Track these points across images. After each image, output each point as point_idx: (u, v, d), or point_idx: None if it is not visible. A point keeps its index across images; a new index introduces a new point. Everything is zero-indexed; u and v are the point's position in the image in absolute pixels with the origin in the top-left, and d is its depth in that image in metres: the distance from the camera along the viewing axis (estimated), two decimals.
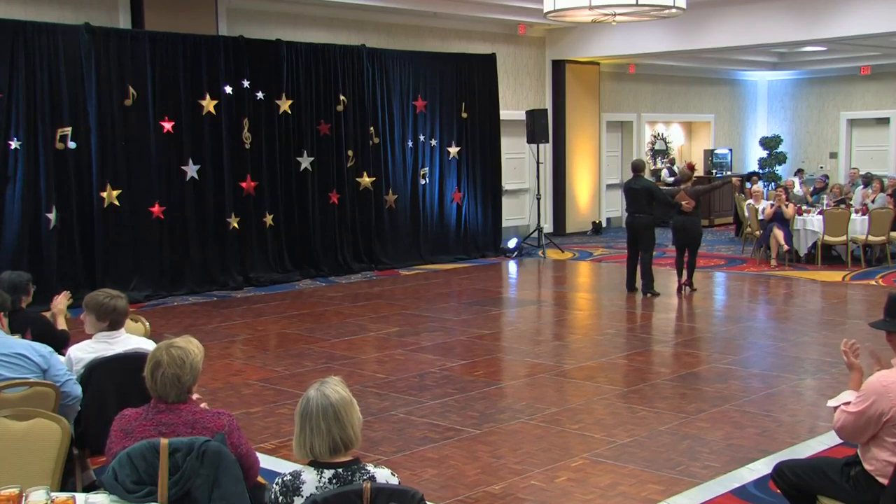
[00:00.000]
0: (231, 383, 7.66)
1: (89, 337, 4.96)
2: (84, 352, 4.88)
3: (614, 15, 11.67)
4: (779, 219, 13.93)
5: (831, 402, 4.06)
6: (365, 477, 2.98)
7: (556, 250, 15.84)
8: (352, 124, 13.83)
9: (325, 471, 2.99)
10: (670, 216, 12.06)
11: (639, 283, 11.74)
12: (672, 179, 20.53)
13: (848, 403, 3.90)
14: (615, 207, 20.29)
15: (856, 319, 10.20)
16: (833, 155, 22.69)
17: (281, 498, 2.96)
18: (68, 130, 11.03)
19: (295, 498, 2.95)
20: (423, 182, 14.93)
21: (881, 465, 3.82)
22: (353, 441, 3.06)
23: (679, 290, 11.82)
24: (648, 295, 11.55)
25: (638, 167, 11.78)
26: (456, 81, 15.28)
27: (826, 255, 14.08)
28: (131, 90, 11.45)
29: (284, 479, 3.01)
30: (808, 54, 21.03)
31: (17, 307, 5.59)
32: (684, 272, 11.85)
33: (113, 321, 4.87)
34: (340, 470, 3.00)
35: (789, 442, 6.03)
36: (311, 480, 2.98)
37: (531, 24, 16.61)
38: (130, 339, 4.97)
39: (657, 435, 6.19)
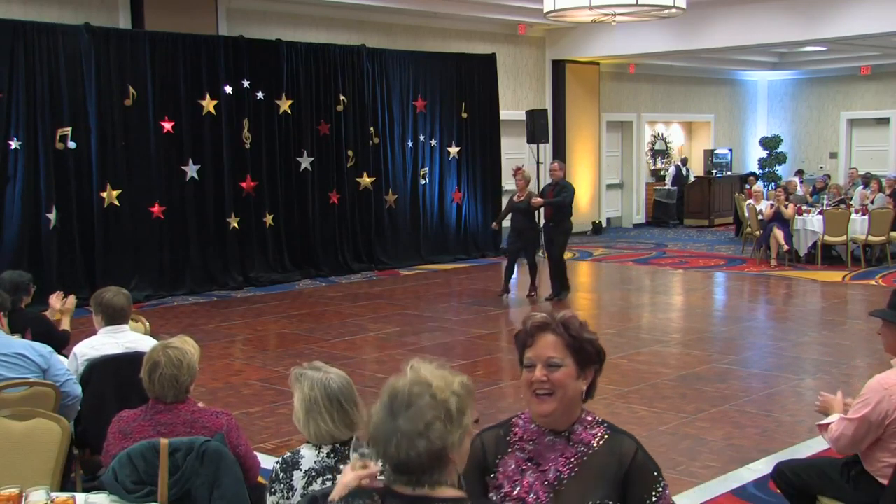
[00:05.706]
0: (231, 383, 7.66)
1: (91, 335, 4.99)
2: (88, 347, 4.92)
3: (614, 15, 11.67)
4: (779, 219, 13.93)
5: (821, 424, 4.01)
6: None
7: None
8: (352, 124, 13.82)
9: (324, 446, 3.08)
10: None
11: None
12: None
13: (843, 418, 3.83)
14: (615, 207, 20.30)
15: (856, 319, 10.19)
16: (833, 155, 22.67)
17: (281, 475, 3.03)
18: (68, 130, 11.02)
19: (294, 472, 3.03)
20: (423, 182, 14.92)
21: (882, 466, 3.80)
22: (358, 426, 3.10)
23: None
24: (557, 298, 11.19)
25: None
26: (456, 81, 15.27)
27: (826, 255, 14.07)
28: (131, 90, 11.45)
29: (285, 456, 3.10)
30: (808, 54, 21.01)
31: (17, 307, 5.58)
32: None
33: (112, 316, 4.91)
34: (338, 445, 3.08)
35: (789, 442, 6.02)
36: (310, 455, 3.06)
37: (531, 24, 16.60)
38: (134, 335, 5.01)
39: (657, 435, 6.19)
